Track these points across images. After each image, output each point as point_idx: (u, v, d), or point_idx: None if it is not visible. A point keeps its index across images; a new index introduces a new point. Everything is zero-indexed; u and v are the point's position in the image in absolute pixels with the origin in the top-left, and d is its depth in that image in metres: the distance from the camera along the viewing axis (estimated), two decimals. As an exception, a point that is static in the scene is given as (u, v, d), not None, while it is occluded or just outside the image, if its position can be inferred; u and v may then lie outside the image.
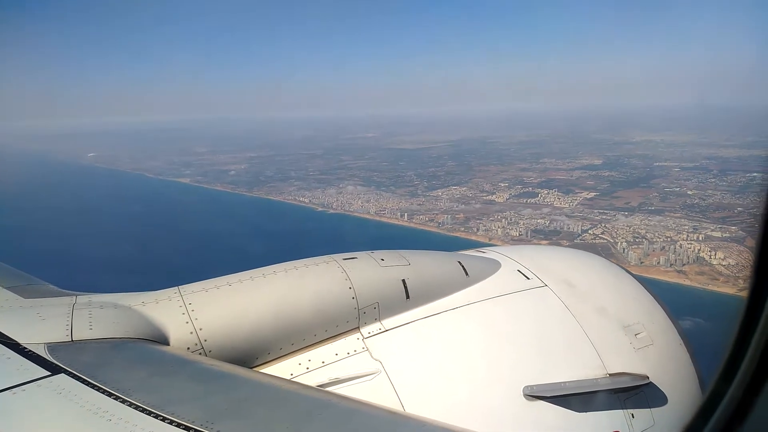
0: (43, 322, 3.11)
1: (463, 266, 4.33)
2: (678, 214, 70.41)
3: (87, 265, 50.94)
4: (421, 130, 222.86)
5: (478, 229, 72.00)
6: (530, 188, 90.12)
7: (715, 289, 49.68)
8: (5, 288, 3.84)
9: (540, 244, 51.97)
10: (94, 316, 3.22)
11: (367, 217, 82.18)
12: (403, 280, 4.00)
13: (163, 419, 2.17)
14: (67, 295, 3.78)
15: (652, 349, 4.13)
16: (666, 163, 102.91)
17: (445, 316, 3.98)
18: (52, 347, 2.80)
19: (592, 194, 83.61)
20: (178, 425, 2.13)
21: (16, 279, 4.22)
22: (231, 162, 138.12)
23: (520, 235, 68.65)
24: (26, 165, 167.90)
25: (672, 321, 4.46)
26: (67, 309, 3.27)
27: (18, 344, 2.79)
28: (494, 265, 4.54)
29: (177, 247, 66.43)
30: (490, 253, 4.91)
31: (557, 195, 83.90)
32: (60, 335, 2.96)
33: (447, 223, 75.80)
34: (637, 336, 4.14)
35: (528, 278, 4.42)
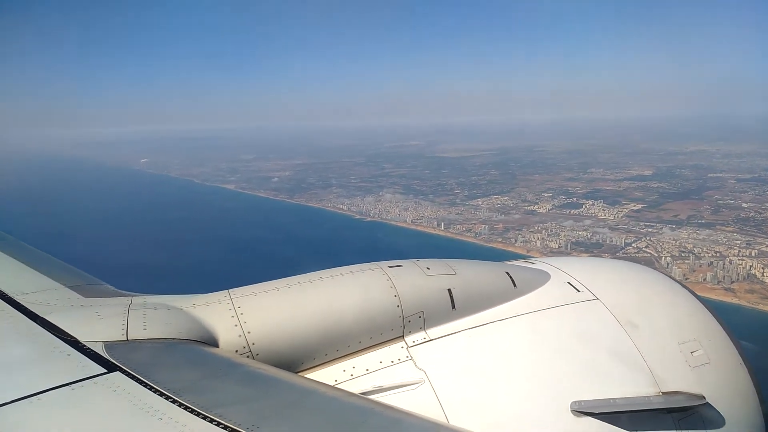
0: (101, 320, 3.20)
1: (510, 277, 4.24)
2: (730, 228, 67.03)
3: (138, 267, 53.49)
4: (466, 139, 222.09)
5: (516, 240, 70.74)
6: (575, 198, 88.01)
7: (767, 308, 47.00)
8: (67, 287, 3.96)
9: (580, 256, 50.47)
10: (148, 317, 3.30)
11: (403, 225, 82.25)
12: (449, 290, 3.94)
13: (211, 420, 2.21)
14: (124, 295, 3.90)
15: (709, 368, 3.90)
16: (721, 174, 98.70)
17: (491, 327, 3.90)
18: (109, 345, 2.89)
19: (639, 206, 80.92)
20: (225, 427, 2.16)
21: (77, 278, 4.36)
22: (276, 169, 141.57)
23: (559, 247, 67.01)
24: (83, 171, 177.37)
25: (732, 339, 4.21)
26: (123, 309, 3.36)
27: (77, 341, 2.89)
28: (543, 277, 4.42)
29: (216, 252, 68.61)
30: (539, 264, 4.78)
31: (602, 206, 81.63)
32: (116, 334, 3.05)
33: (484, 234, 74.85)
34: (694, 354, 3.92)
35: (579, 291, 4.27)
